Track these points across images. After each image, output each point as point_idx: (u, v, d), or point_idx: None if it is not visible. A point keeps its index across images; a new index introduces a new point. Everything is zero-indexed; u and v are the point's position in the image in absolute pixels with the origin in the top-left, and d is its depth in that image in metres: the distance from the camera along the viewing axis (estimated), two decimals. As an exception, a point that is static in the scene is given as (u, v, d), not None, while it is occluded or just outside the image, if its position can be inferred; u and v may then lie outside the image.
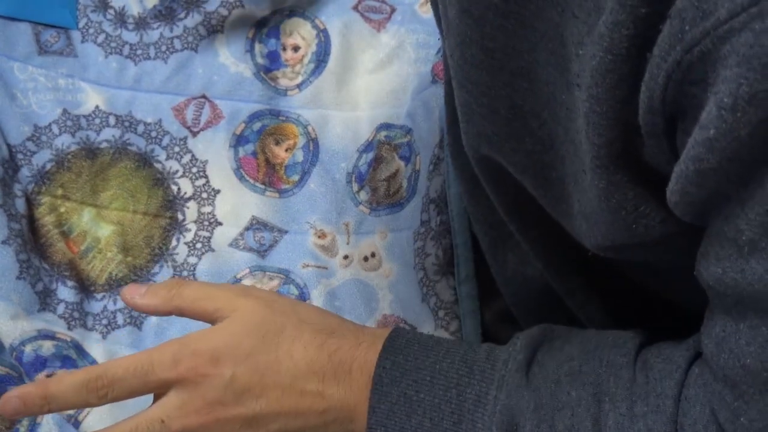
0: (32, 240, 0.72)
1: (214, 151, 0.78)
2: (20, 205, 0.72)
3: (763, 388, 0.42)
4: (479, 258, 0.72)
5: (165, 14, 0.81)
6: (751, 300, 0.41)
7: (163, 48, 0.80)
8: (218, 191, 0.77)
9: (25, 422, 0.66)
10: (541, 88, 0.46)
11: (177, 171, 0.77)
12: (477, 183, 0.64)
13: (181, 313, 0.57)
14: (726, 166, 0.37)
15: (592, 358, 0.52)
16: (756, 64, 0.34)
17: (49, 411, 0.55)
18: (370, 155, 0.78)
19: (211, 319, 0.56)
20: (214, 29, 0.80)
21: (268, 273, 0.74)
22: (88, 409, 0.66)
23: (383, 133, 0.79)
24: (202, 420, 0.54)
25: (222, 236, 0.75)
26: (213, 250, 0.75)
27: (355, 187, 0.78)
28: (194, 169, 0.77)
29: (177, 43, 0.81)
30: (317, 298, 0.73)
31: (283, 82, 0.82)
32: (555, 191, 0.50)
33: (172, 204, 0.76)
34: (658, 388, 0.49)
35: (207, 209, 0.76)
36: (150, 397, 0.56)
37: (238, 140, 0.79)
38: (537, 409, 0.51)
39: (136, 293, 0.58)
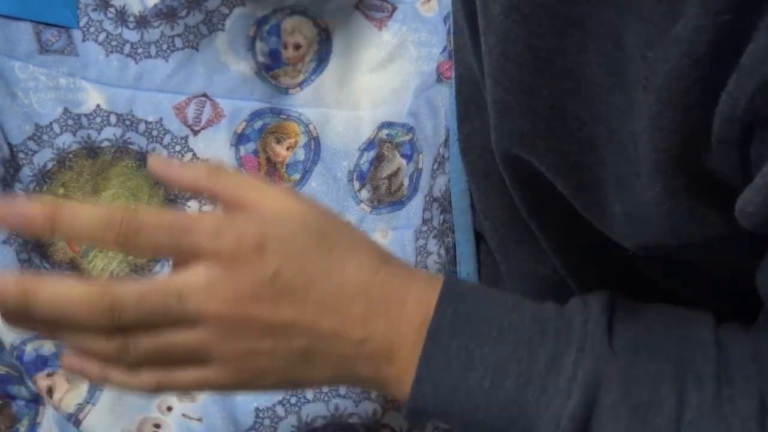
0: (33, 239, 0.71)
1: (215, 149, 0.78)
2: None
3: None
4: (484, 257, 0.73)
5: (166, 12, 0.81)
6: None
7: (164, 46, 0.80)
8: None
9: (25, 422, 0.66)
10: (588, 89, 0.46)
11: None
12: (488, 180, 0.64)
13: (214, 195, 0.49)
14: None
15: (674, 331, 0.48)
16: None
17: (52, 235, 0.45)
18: (372, 153, 0.78)
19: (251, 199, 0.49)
20: (215, 27, 0.80)
21: None
22: (89, 408, 0.66)
23: (384, 132, 0.79)
24: (225, 311, 0.46)
25: None
26: None
27: (357, 185, 0.78)
28: None
29: (178, 42, 0.80)
30: None
31: (285, 81, 0.82)
32: (589, 193, 0.50)
33: (173, 203, 0.76)
34: (743, 370, 0.46)
35: (208, 207, 0.76)
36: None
37: (239, 139, 0.79)
38: (624, 381, 0.46)
39: (165, 163, 0.50)
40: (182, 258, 0.46)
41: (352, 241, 0.49)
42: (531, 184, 0.54)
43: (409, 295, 0.49)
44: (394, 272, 0.49)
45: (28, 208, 0.44)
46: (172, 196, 0.76)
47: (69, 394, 0.66)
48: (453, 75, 0.72)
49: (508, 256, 0.67)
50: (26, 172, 0.75)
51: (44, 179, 0.75)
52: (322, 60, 0.82)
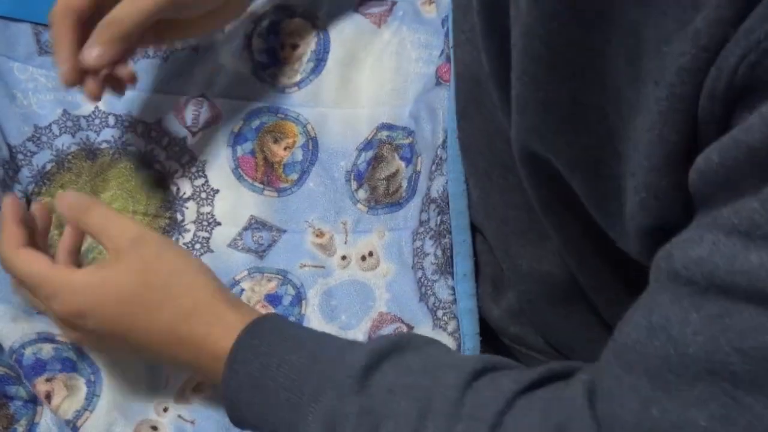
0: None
1: (213, 150, 0.78)
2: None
3: (694, 379, 0.42)
4: (486, 257, 0.72)
5: None
6: (723, 288, 0.41)
7: (163, 47, 0.81)
8: (217, 191, 0.77)
9: (23, 422, 0.66)
10: (608, 82, 0.46)
11: (176, 171, 0.77)
12: (490, 178, 0.64)
13: (83, 232, 0.66)
14: None
15: (429, 374, 0.54)
16: None
17: None
18: (370, 153, 0.78)
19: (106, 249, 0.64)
20: (215, 30, 0.81)
21: (266, 274, 0.74)
22: (86, 415, 0.67)
23: (384, 133, 0.79)
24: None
25: (220, 236, 0.76)
26: (212, 251, 0.75)
27: (354, 185, 0.78)
28: (193, 169, 0.78)
29: (177, 43, 0.81)
30: (314, 298, 0.73)
31: (282, 81, 0.82)
32: (606, 188, 0.50)
33: (171, 204, 0.76)
34: (478, 413, 0.51)
35: (206, 209, 0.76)
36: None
37: (236, 139, 0.79)
38: (361, 414, 0.54)
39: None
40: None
41: (160, 301, 0.61)
42: (549, 179, 0.55)
43: (205, 342, 0.61)
44: (192, 329, 0.61)
45: None
46: (170, 198, 0.76)
47: (67, 400, 0.67)
48: (451, 74, 0.72)
49: (510, 254, 0.67)
50: (25, 173, 0.75)
51: (43, 180, 0.76)
52: (320, 60, 0.82)
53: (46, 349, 0.68)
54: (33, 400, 0.67)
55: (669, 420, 0.43)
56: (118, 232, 0.63)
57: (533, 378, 0.54)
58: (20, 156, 0.76)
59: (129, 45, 0.68)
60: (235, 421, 0.61)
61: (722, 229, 0.41)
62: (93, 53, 0.66)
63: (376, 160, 0.78)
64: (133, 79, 0.70)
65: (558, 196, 0.56)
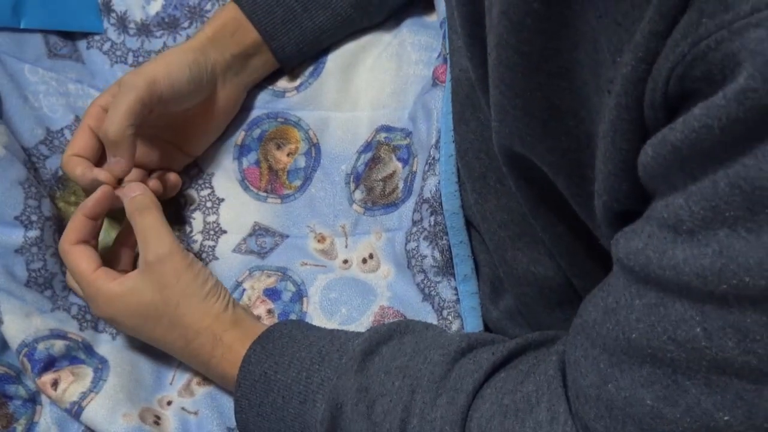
0: (55, 243, 0.73)
1: (218, 163, 0.80)
2: (46, 207, 0.73)
3: (641, 361, 0.45)
4: (484, 256, 0.73)
5: (168, 22, 0.83)
6: (657, 280, 0.43)
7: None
8: (222, 200, 0.79)
9: (23, 421, 0.68)
10: (580, 87, 0.48)
11: (184, 183, 0.79)
12: (485, 182, 0.66)
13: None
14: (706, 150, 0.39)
15: (419, 355, 0.61)
16: (759, 61, 0.35)
17: None
18: (368, 155, 0.79)
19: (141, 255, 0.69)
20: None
21: (266, 271, 0.76)
22: (92, 396, 0.68)
23: (383, 135, 0.79)
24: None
25: (225, 243, 0.78)
26: (217, 258, 0.77)
27: (352, 186, 0.79)
28: (200, 181, 0.80)
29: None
30: (314, 295, 0.75)
31: (281, 84, 0.82)
32: (589, 189, 0.52)
33: (180, 216, 0.79)
34: (458, 384, 0.57)
35: (212, 218, 0.79)
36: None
37: (241, 151, 0.80)
38: (359, 390, 0.59)
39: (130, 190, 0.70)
40: None
41: (172, 319, 0.67)
42: (534, 180, 0.56)
43: (212, 357, 0.68)
44: (200, 342, 0.67)
45: None
46: (179, 209, 0.79)
47: (73, 384, 0.69)
48: (447, 78, 0.72)
49: (507, 258, 0.68)
50: (41, 176, 0.77)
51: (57, 185, 0.78)
52: (318, 62, 0.82)
53: (58, 346, 0.69)
54: (32, 400, 0.69)
55: (622, 396, 0.47)
56: (154, 244, 0.68)
57: (511, 348, 0.58)
58: (34, 159, 0.77)
59: (133, 138, 0.70)
60: (241, 425, 0.66)
61: (656, 222, 0.43)
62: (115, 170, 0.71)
63: (374, 161, 0.78)
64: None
65: (544, 197, 0.58)
